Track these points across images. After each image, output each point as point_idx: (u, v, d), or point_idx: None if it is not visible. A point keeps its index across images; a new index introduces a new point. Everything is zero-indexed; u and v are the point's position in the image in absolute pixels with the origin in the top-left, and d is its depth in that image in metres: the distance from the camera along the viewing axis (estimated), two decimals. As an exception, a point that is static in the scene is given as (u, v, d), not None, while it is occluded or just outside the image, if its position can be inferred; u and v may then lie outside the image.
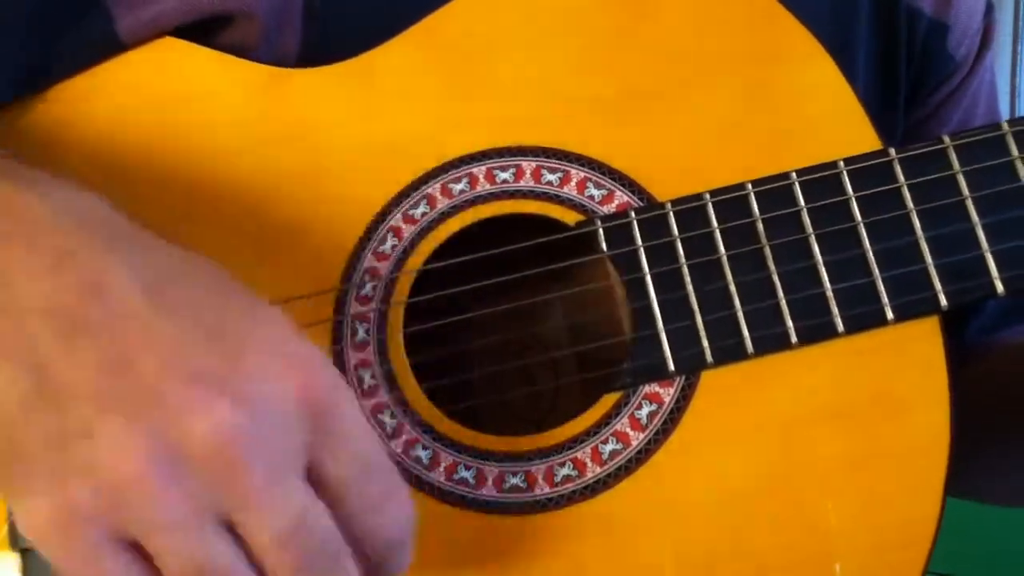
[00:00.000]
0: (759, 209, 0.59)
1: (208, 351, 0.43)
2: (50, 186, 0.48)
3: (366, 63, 0.63)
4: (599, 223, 0.61)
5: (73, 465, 0.42)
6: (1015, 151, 0.58)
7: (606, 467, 0.58)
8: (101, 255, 0.45)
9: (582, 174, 0.62)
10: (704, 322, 0.59)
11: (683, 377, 0.58)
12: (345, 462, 0.44)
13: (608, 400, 0.59)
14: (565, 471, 0.58)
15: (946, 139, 0.59)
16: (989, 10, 0.80)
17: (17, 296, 0.44)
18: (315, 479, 0.44)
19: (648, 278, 0.59)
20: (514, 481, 0.58)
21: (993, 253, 0.57)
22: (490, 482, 0.58)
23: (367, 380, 0.60)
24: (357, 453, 0.45)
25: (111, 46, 0.63)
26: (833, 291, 0.58)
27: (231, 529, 0.43)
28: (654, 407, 0.58)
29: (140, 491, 0.41)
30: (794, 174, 0.60)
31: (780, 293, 0.58)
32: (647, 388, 0.59)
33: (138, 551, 0.42)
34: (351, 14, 0.65)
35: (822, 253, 0.58)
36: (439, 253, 0.62)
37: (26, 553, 0.60)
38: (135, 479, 0.41)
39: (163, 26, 0.62)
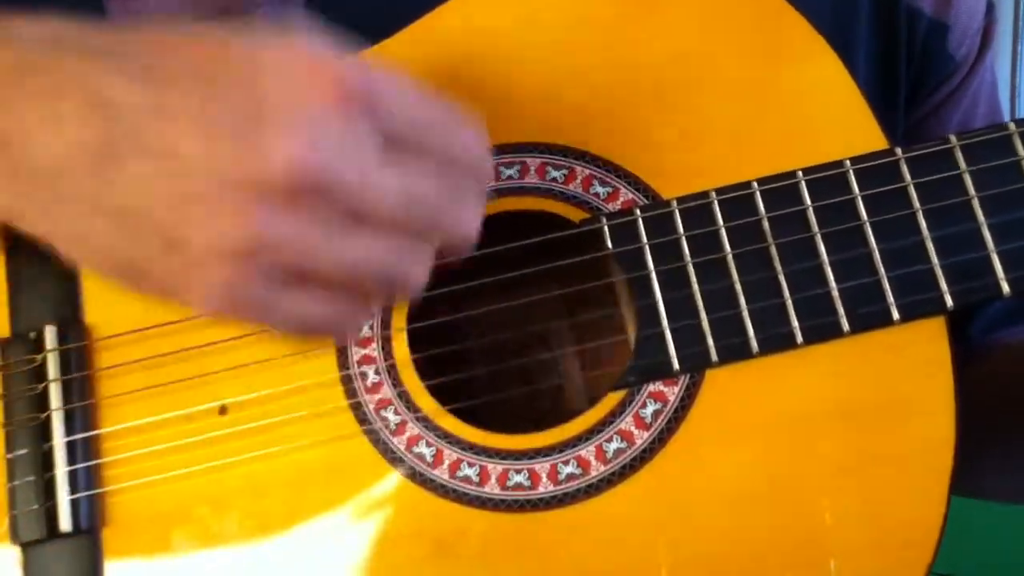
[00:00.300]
0: (765, 207, 0.59)
1: (234, 105, 0.44)
2: (25, 23, 0.49)
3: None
4: (604, 220, 0.61)
5: (202, 233, 0.44)
6: (1022, 151, 0.58)
7: (610, 465, 0.58)
8: (94, 76, 0.46)
9: (587, 171, 0.62)
10: (709, 321, 0.58)
11: (688, 376, 0.58)
12: (407, 123, 0.47)
13: (612, 398, 0.59)
14: (569, 469, 0.58)
15: (952, 139, 0.59)
16: (989, 10, 0.80)
17: (42, 145, 0.46)
18: (394, 148, 0.46)
19: (653, 276, 0.59)
20: (518, 479, 0.58)
21: (999, 253, 0.57)
22: (493, 480, 0.58)
23: (371, 376, 0.60)
24: (413, 112, 0.47)
25: None
26: (839, 290, 0.58)
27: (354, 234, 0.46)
28: (658, 406, 0.58)
29: (272, 225, 0.44)
30: (800, 173, 0.60)
31: (785, 292, 0.58)
32: (651, 386, 0.59)
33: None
34: (351, 13, 0.64)
35: (828, 252, 0.58)
36: None
37: (27, 547, 0.60)
38: (261, 223, 0.44)
39: None
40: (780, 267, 0.59)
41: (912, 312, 0.58)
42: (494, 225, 0.61)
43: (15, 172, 0.47)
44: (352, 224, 0.46)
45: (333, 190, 0.44)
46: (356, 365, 0.60)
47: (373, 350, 0.60)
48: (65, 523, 0.59)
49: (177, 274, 0.46)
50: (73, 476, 0.60)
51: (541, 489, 0.58)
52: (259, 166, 0.43)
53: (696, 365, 0.58)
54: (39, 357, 0.61)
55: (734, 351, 0.58)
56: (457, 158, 0.49)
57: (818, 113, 0.61)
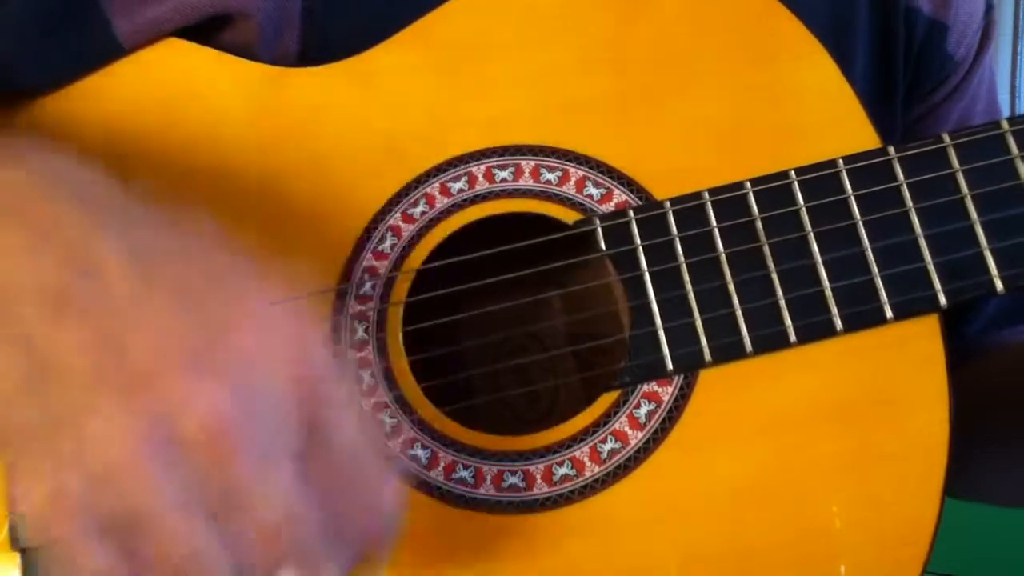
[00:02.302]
0: (758, 208, 0.59)
1: (199, 331, 0.42)
2: (46, 157, 0.47)
3: (365, 62, 0.63)
4: (598, 222, 0.61)
5: (64, 451, 0.41)
6: (1015, 149, 0.58)
7: (605, 466, 0.58)
8: (91, 230, 0.44)
9: (581, 173, 0.62)
10: (703, 321, 0.59)
11: (682, 376, 0.58)
12: (336, 444, 0.44)
13: (607, 399, 0.59)
14: (564, 470, 0.58)
15: (946, 137, 0.59)
16: (988, 10, 0.80)
17: (5, 272, 0.43)
18: (311, 460, 0.44)
19: (647, 277, 0.59)
20: (513, 480, 0.58)
21: (992, 251, 0.57)
22: (488, 481, 0.58)
23: (366, 379, 0.60)
24: (348, 435, 0.44)
25: (110, 51, 0.63)
26: (832, 290, 0.58)
27: (218, 518, 0.42)
28: (653, 406, 0.58)
29: (130, 477, 0.40)
30: (793, 173, 0.60)
31: (779, 292, 0.58)
32: (646, 387, 0.59)
33: (126, 543, 0.42)
34: (350, 14, 0.65)
35: (821, 252, 0.58)
36: (438, 252, 0.62)
37: (26, 553, 0.60)
38: (125, 464, 0.40)
39: (161, 29, 0.62)
40: (773, 267, 0.59)
41: (905, 311, 0.57)
42: (489, 227, 0.62)
43: None
44: (224, 513, 0.42)
45: (229, 459, 0.41)
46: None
47: (368, 352, 0.60)
48: None
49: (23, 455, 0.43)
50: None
51: (536, 490, 0.58)
52: (171, 415, 0.41)
53: (690, 365, 0.58)
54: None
55: (728, 351, 0.58)
56: (358, 518, 0.45)
57: (811, 113, 0.62)
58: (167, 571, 0.41)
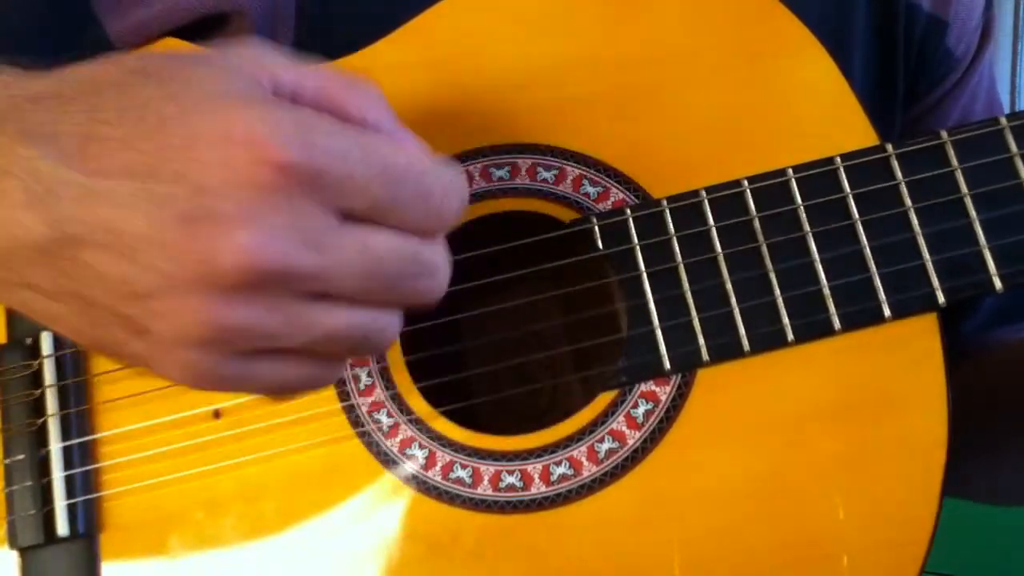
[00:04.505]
0: (755, 206, 0.59)
1: (175, 192, 0.42)
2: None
3: (359, 62, 0.63)
4: (595, 220, 0.60)
5: (145, 312, 0.43)
6: (1014, 147, 0.58)
7: (602, 466, 0.58)
8: (26, 161, 0.44)
9: (577, 171, 0.62)
10: (700, 320, 0.58)
11: (679, 375, 0.58)
12: (363, 195, 0.44)
13: (604, 399, 0.59)
14: (561, 470, 0.58)
15: (944, 134, 0.59)
16: (988, 6, 0.79)
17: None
18: (355, 215, 0.44)
19: (644, 276, 0.59)
20: (510, 480, 0.58)
21: (991, 249, 0.57)
22: (486, 481, 0.58)
23: (364, 379, 0.60)
24: (368, 180, 0.44)
25: (102, 51, 0.63)
26: (830, 288, 0.58)
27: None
28: (650, 405, 0.58)
29: (231, 316, 0.43)
30: (790, 171, 0.59)
31: (776, 291, 0.58)
32: (643, 386, 0.58)
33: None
34: (345, 12, 0.65)
35: (819, 250, 0.58)
36: None
37: (25, 552, 0.60)
38: (220, 316, 0.43)
39: (153, 30, 0.62)
40: (771, 265, 0.58)
41: (903, 309, 0.57)
42: (485, 226, 0.62)
43: None
44: (314, 302, 0.45)
45: (288, 278, 0.43)
46: (349, 368, 0.60)
47: None
48: (62, 528, 0.60)
49: (147, 356, 0.46)
50: (70, 481, 0.61)
51: (534, 490, 0.58)
52: (209, 266, 0.42)
53: (687, 364, 0.58)
54: (35, 363, 0.62)
55: (725, 350, 0.58)
56: (416, 223, 0.46)
57: (808, 110, 0.61)
58: (307, 353, 0.46)
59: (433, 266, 0.47)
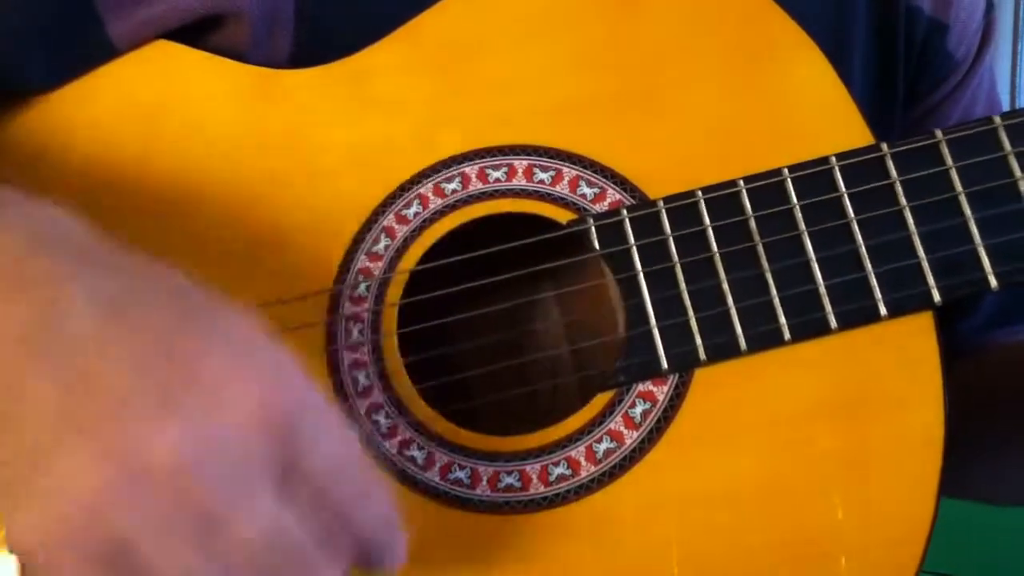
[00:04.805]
0: (751, 206, 0.59)
1: (164, 371, 0.42)
2: (19, 208, 0.48)
3: (357, 64, 0.63)
4: (591, 221, 0.61)
5: (41, 487, 0.41)
6: (1008, 145, 0.58)
7: (600, 466, 0.58)
8: (61, 280, 0.44)
9: (574, 172, 0.62)
10: (697, 320, 0.58)
11: (677, 375, 0.58)
12: (314, 468, 0.44)
13: (602, 399, 0.59)
14: (559, 470, 0.58)
15: (938, 134, 0.59)
16: (989, 8, 0.80)
17: None
18: (290, 484, 0.44)
19: (641, 276, 0.59)
20: (509, 481, 0.58)
21: (986, 247, 0.57)
22: (485, 482, 0.58)
23: (362, 380, 0.60)
24: (326, 457, 0.44)
25: (104, 51, 0.63)
26: (826, 287, 0.58)
27: (203, 541, 0.42)
28: (648, 405, 0.58)
29: (111, 501, 0.41)
30: (786, 171, 0.59)
31: (773, 290, 0.58)
32: (641, 386, 0.59)
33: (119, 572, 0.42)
34: (343, 15, 0.65)
35: (815, 249, 0.58)
36: (432, 253, 0.62)
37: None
38: (104, 491, 0.41)
39: (154, 29, 0.63)
40: (767, 265, 0.58)
41: (899, 308, 0.57)
42: (482, 228, 0.62)
43: None
44: (205, 536, 0.42)
45: (198, 494, 0.41)
46: (347, 369, 0.61)
47: (363, 354, 0.61)
48: None
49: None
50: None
51: (532, 490, 0.58)
52: (138, 449, 0.41)
53: (685, 364, 0.58)
54: None
55: (722, 350, 0.58)
56: (354, 530, 0.45)
57: (804, 111, 0.61)
58: None
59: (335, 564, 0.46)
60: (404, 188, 0.62)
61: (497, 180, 0.62)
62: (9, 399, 0.42)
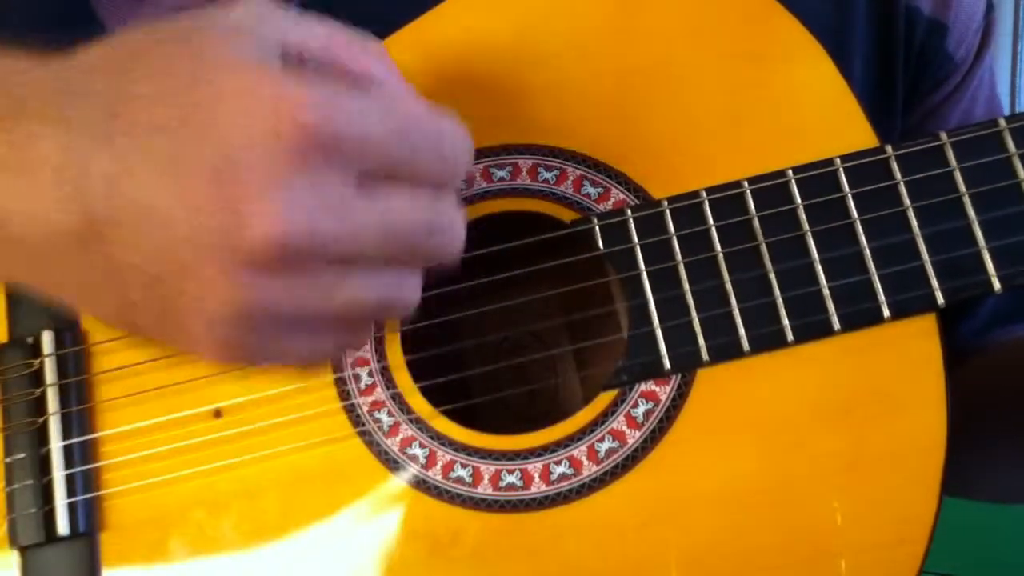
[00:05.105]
0: (755, 207, 0.59)
1: (201, 161, 0.43)
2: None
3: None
4: (595, 221, 0.61)
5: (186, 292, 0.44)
6: (1012, 148, 0.58)
7: (602, 465, 0.58)
8: (53, 142, 0.45)
9: (578, 172, 0.62)
10: (700, 320, 0.58)
11: (679, 375, 0.58)
12: (381, 154, 0.45)
13: (604, 398, 0.59)
14: (561, 469, 0.58)
15: (943, 136, 0.59)
16: (989, 9, 0.79)
17: (13, 235, 0.46)
18: (370, 176, 0.45)
19: (644, 276, 0.59)
20: (510, 479, 0.58)
21: (990, 250, 0.57)
22: (486, 480, 0.58)
23: (364, 378, 0.60)
24: (385, 138, 0.45)
25: None
26: (829, 288, 0.58)
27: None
28: (650, 405, 0.58)
29: (261, 291, 0.44)
30: (790, 171, 0.59)
31: (776, 291, 0.58)
32: (643, 386, 0.59)
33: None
34: (346, 15, 0.65)
35: (818, 251, 0.58)
36: None
37: (25, 552, 0.60)
38: (250, 293, 0.44)
39: None
40: (771, 266, 0.58)
41: (903, 309, 0.57)
42: (486, 226, 0.62)
43: (2, 243, 0.47)
44: (340, 270, 0.46)
45: (315, 249, 0.44)
46: (350, 367, 0.61)
47: (366, 352, 0.61)
48: (63, 527, 0.60)
49: (177, 336, 0.47)
50: (71, 480, 0.61)
51: (534, 489, 0.58)
52: (239, 242, 0.43)
53: (687, 364, 0.58)
54: (37, 362, 0.62)
55: (725, 350, 0.58)
56: (432, 175, 0.48)
57: (808, 112, 0.61)
58: (331, 322, 0.47)
59: (450, 221, 0.48)
60: None
61: (501, 179, 0.62)
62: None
